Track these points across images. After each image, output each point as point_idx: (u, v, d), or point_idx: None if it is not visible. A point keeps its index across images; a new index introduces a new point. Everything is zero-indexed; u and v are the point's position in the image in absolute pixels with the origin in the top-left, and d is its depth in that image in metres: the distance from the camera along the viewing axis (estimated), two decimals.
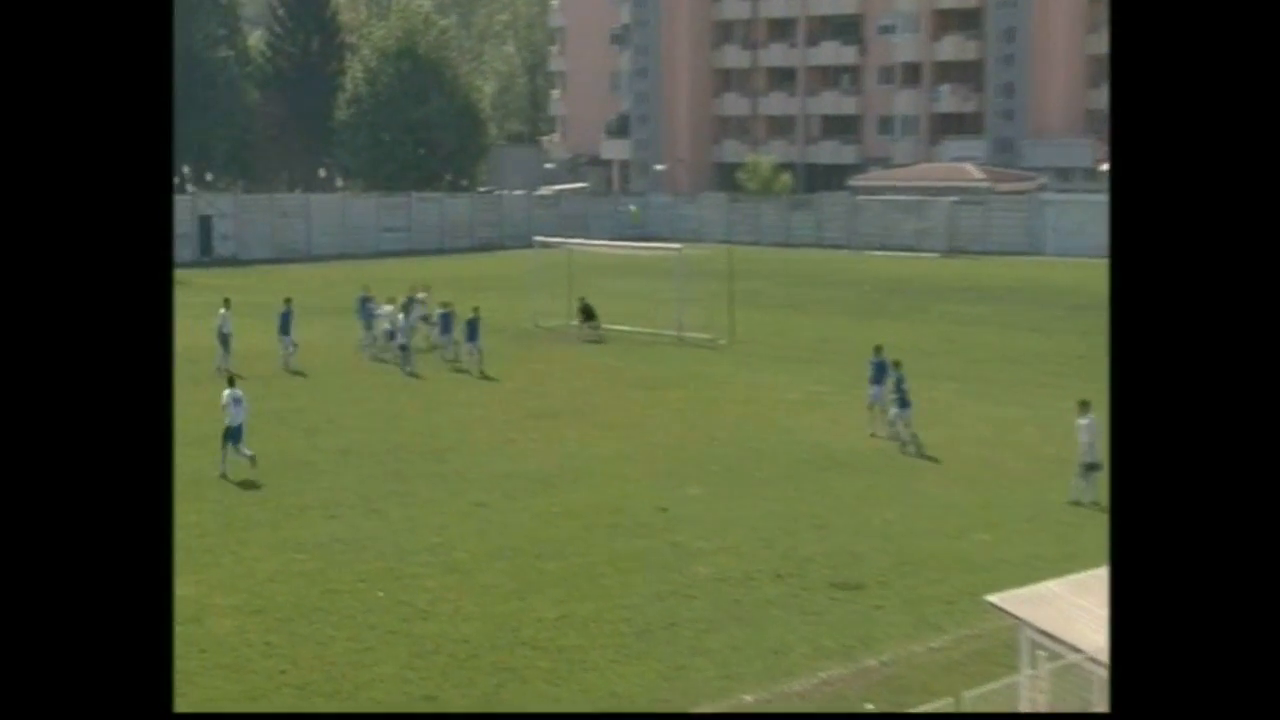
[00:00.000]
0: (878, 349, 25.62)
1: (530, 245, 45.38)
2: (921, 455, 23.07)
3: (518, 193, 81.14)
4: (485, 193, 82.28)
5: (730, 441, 24.28)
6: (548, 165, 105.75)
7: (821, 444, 23.93)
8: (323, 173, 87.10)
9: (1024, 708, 10.32)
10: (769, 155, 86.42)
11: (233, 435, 21.79)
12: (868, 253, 69.51)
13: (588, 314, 38.43)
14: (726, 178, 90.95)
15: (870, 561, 17.09)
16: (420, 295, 36.19)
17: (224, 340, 32.18)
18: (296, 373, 32.05)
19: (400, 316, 33.60)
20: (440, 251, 69.10)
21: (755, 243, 72.81)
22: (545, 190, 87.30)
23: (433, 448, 23.83)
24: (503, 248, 70.22)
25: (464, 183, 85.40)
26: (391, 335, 33.47)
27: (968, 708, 9.80)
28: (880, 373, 24.72)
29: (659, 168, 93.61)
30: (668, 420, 26.37)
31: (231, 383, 22.42)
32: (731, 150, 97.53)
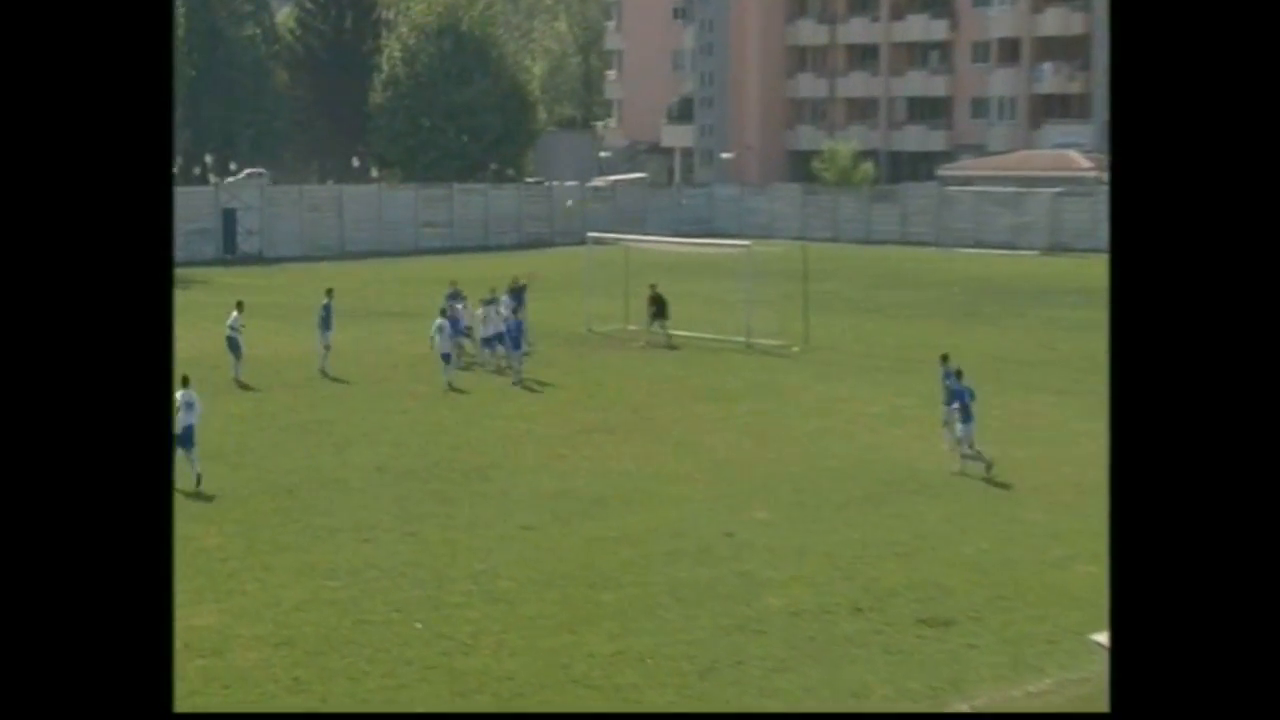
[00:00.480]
0: (944, 358, 25.50)
1: (583, 242, 45.73)
2: (990, 479, 22.91)
3: (569, 184, 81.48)
4: (534, 184, 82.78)
5: (803, 460, 24.39)
6: (602, 153, 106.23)
7: (906, 463, 23.96)
8: (356, 162, 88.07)
9: None
10: (848, 142, 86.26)
11: (183, 440, 21.80)
12: (958, 250, 69.20)
13: (659, 307, 37.97)
14: (800, 167, 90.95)
15: (961, 595, 17.11)
16: (522, 282, 37.05)
17: (234, 347, 31.94)
18: (335, 379, 32.41)
19: (476, 313, 34.28)
20: (484, 248, 69.52)
21: (832, 239, 72.66)
22: (599, 181, 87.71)
23: (476, 465, 23.92)
24: (552, 244, 70.54)
25: (510, 173, 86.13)
26: (494, 340, 33.79)
27: None
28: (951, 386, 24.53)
29: (725, 156, 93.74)
30: (734, 436, 26.47)
31: (185, 383, 22.43)
32: (806, 136, 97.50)
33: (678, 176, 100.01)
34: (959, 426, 23.53)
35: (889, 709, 13.59)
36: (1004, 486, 22.63)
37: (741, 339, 37.69)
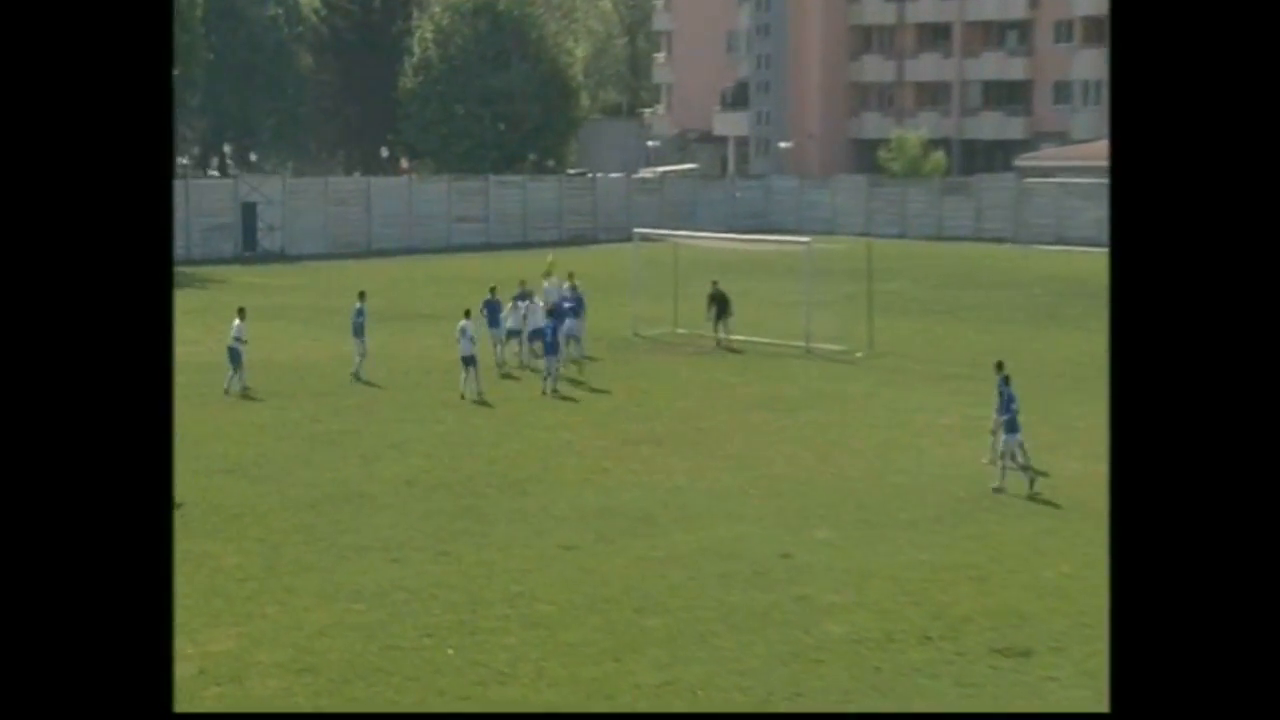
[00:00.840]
0: (999, 365, 25.19)
1: (629, 238, 45.80)
2: (1033, 497, 22.82)
3: (614, 175, 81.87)
4: (576, 175, 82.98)
5: (868, 475, 24.43)
6: (650, 143, 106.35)
7: (980, 480, 23.90)
8: (385, 152, 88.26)
9: None
10: (917, 130, 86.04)
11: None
12: (1038, 247, 68.86)
13: (721, 306, 37.99)
14: (865, 157, 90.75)
15: (1040, 622, 17.01)
16: (552, 277, 37.68)
17: (235, 358, 31.77)
18: (368, 383, 32.82)
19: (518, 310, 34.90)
20: (523, 245, 69.74)
21: (900, 235, 72.68)
22: (647, 173, 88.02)
23: (512, 479, 24.01)
24: (596, 241, 70.87)
25: (551, 164, 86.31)
26: (533, 334, 34.29)
27: None
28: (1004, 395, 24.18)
29: (784, 145, 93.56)
30: (793, 449, 26.56)
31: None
32: (872, 124, 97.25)
33: (732, 167, 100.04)
34: (1003, 438, 23.57)
35: None
36: (1090, 507, 22.38)
37: (800, 343, 37.72)
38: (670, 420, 29.14)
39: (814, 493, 23.19)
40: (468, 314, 32.62)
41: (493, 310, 35.30)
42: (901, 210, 76.35)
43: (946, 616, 17.09)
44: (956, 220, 74.81)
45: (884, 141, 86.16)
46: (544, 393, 31.64)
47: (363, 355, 33.55)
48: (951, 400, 31.02)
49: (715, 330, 38.06)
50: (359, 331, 33.68)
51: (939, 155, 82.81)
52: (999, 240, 71.39)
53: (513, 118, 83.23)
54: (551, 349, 32.23)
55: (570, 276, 37.91)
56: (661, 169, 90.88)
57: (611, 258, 56.50)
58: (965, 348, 38.54)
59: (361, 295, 34.47)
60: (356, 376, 33.15)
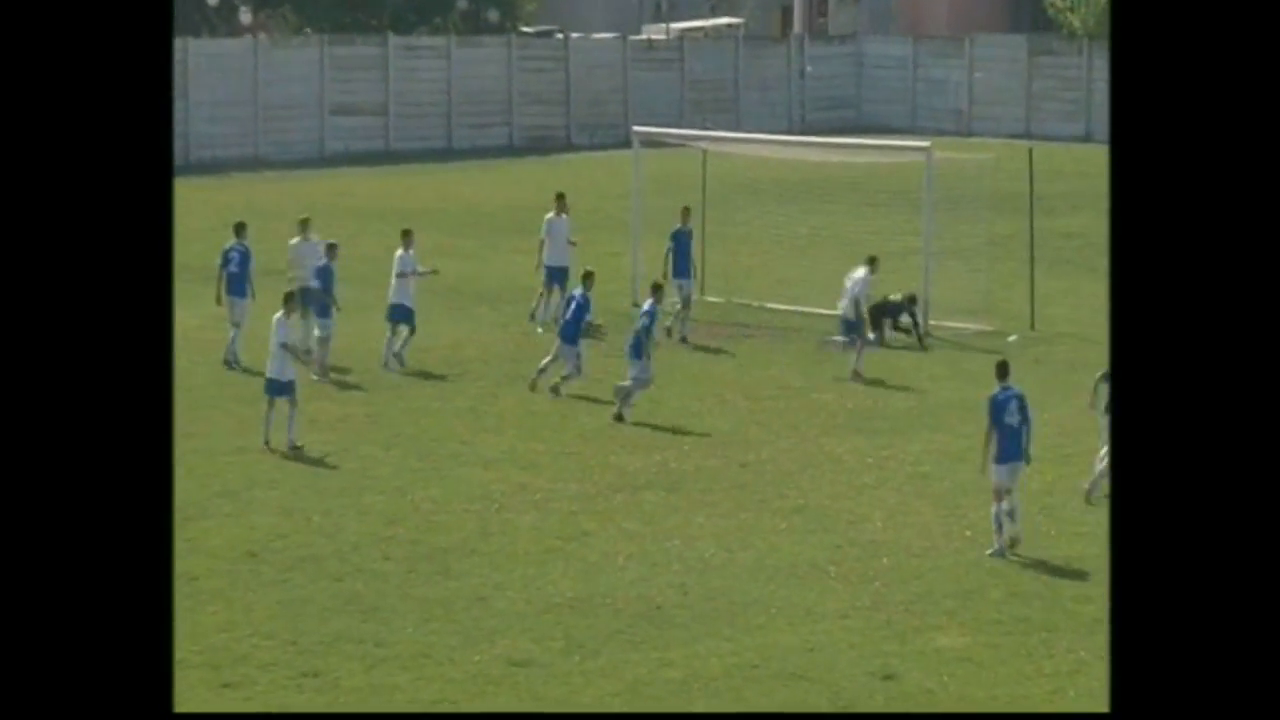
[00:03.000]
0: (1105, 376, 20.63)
1: (625, 142, 37.34)
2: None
3: (602, 36, 60.01)
4: (538, 35, 61.28)
5: (1030, 545, 19.30)
6: None
7: None
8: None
9: None
10: None
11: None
12: None
13: (897, 312, 29.00)
14: (1024, 8, 70.10)
15: None
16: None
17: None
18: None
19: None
20: (447, 155, 53.02)
21: (1083, 138, 55.55)
22: (655, 31, 67.45)
23: (427, 549, 19.46)
24: (571, 147, 56.37)
25: (493, 17, 64.62)
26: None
27: None
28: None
29: None
30: (900, 498, 21.17)
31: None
32: None
33: (797, 24, 74.74)
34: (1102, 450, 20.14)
35: None
36: None
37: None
38: (693, 450, 22.92)
39: (935, 572, 18.96)
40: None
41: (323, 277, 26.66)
42: (1086, 95, 56.84)
43: None
44: None
45: None
46: (554, 391, 24.80)
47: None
48: None
49: (885, 334, 28.68)
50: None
51: None
52: None
53: None
54: (570, 334, 24.99)
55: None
56: (680, 25, 66.20)
57: (594, 175, 44.78)
58: None
59: (240, 230, 26.47)
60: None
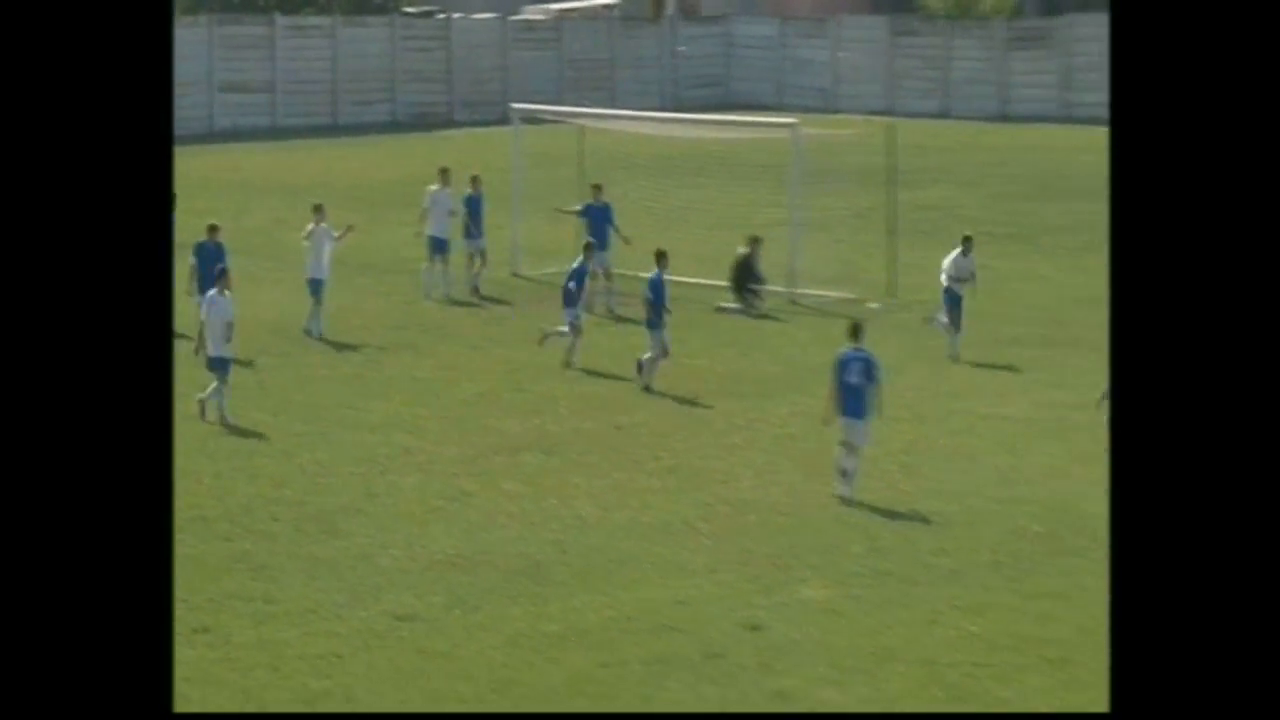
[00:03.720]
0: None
1: (504, 119, 38.73)
2: None
3: (482, 17, 62.52)
4: (419, 15, 63.74)
5: (885, 500, 19.98)
6: None
7: (1067, 504, 19.85)
8: None
9: None
10: None
11: None
12: None
13: (745, 277, 30.01)
14: None
15: None
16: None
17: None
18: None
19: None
20: (332, 130, 55.09)
21: (941, 114, 58.57)
22: (534, 11, 69.59)
23: (314, 510, 19.82)
24: (453, 123, 57.87)
25: None
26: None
27: None
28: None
29: None
30: (767, 458, 21.75)
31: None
32: None
33: (670, 5, 76.99)
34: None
35: None
36: None
37: (781, 288, 30.21)
38: (570, 413, 23.64)
39: (800, 528, 19.28)
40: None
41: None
42: (945, 75, 58.59)
43: None
44: (1032, 89, 57.73)
45: None
46: (567, 364, 25.81)
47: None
48: (1023, 380, 25.35)
49: (745, 305, 29.73)
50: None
51: None
52: (1098, 122, 52.22)
53: None
54: (571, 297, 25.95)
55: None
56: (558, 5, 68.65)
57: (476, 149, 45.60)
58: (1046, 297, 31.70)
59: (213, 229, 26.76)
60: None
